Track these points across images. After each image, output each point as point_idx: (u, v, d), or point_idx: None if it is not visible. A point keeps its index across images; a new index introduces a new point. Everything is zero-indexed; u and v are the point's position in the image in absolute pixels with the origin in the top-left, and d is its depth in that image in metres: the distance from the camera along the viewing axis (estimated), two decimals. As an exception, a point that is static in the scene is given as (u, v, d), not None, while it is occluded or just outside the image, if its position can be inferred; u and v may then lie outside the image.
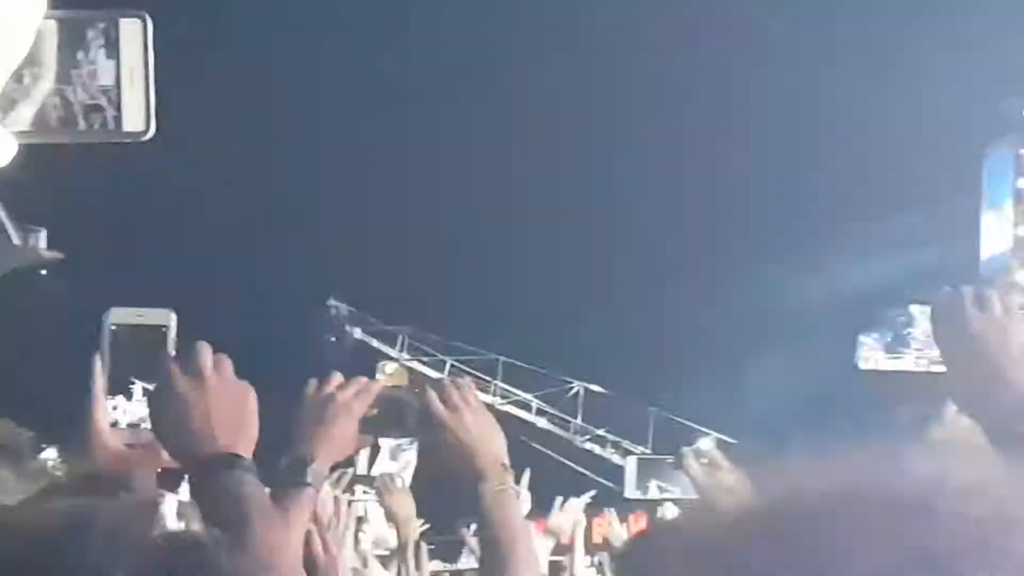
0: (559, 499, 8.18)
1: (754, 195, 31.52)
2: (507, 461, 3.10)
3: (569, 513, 8.94)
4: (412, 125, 33.26)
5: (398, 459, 22.83)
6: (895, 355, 2.42)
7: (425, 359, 31.88)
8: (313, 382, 3.09)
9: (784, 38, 30.45)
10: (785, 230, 30.93)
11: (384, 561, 10.95)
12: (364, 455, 22.66)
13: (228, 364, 2.70)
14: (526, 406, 31.67)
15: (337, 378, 3.08)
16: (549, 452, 30.63)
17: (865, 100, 29.03)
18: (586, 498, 12.69)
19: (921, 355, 2.54)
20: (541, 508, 24.10)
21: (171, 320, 2.95)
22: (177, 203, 31.13)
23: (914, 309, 2.61)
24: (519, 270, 32.86)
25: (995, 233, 25.52)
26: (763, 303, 30.48)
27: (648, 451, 26.48)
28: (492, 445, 3.08)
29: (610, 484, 24.80)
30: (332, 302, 31.77)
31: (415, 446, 21.86)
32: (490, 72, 32.09)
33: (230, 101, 31.49)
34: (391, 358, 31.27)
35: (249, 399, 2.70)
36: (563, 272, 32.82)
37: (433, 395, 3.09)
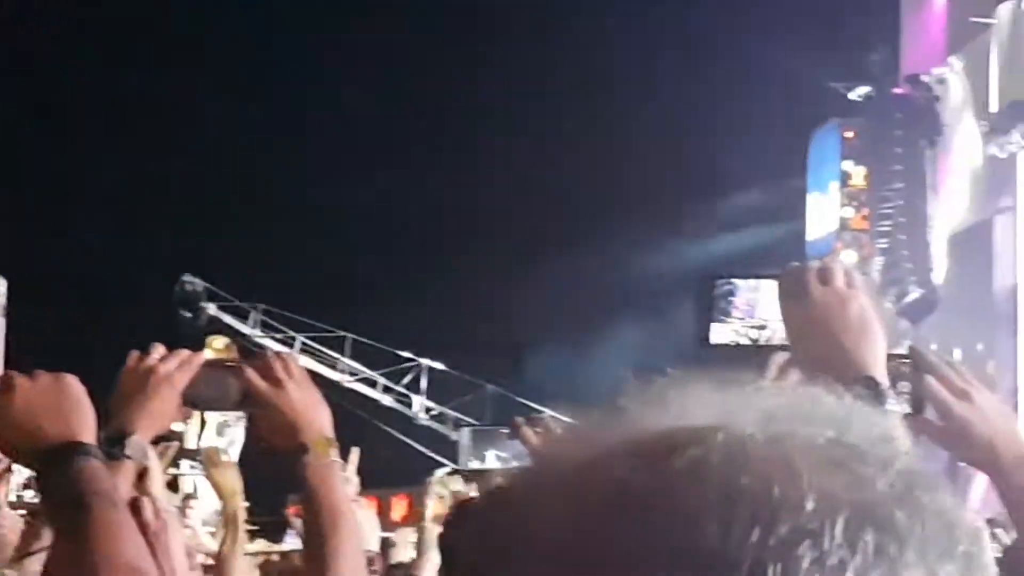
0: None
1: (596, 176, 31.82)
2: (331, 434, 3.04)
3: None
4: (270, 98, 33.08)
5: (224, 435, 22.69)
6: (719, 322, 2.46)
7: (277, 336, 31.85)
8: (134, 354, 3.03)
9: (611, 21, 30.73)
10: (622, 210, 31.27)
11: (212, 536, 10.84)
12: (193, 431, 22.48)
13: (38, 372, 2.71)
14: (372, 383, 31.82)
15: (159, 349, 3.02)
16: (391, 430, 30.77)
17: (697, 84, 29.37)
18: (441, 474, 12.70)
19: (743, 323, 2.57)
20: (378, 485, 24.17)
21: (1, 287, 2.90)
22: (16, 161, 30.57)
23: (737, 281, 2.63)
24: (369, 249, 32.97)
25: (821, 214, 25.98)
26: (604, 282, 30.83)
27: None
28: (315, 418, 3.01)
29: (448, 462, 24.99)
30: (187, 277, 31.50)
31: (242, 423, 21.74)
32: (338, 60, 32.06)
33: (73, 46, 30.97)
34: (243, 335, 31.20)
35: (66, 386, 2.69)
36: (410, 251, 33.00)
37: (255, 368, 3.04)
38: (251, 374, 3.03)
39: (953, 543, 0.86)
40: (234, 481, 6.67)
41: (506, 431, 6.06)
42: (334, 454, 3.03)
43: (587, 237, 31.07)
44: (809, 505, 0.83)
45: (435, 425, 31.08)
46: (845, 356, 2.31)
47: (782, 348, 2.51)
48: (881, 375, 2.33)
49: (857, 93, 24.41)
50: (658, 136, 30.39)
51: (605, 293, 31.04)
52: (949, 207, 25.10)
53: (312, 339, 31.77)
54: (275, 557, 14.72)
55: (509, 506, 0.90)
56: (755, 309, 2.60)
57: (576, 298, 31.13)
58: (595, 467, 0.88)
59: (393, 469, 24.48)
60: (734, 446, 0.86)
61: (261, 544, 15.07)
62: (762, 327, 2.57)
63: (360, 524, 3.44)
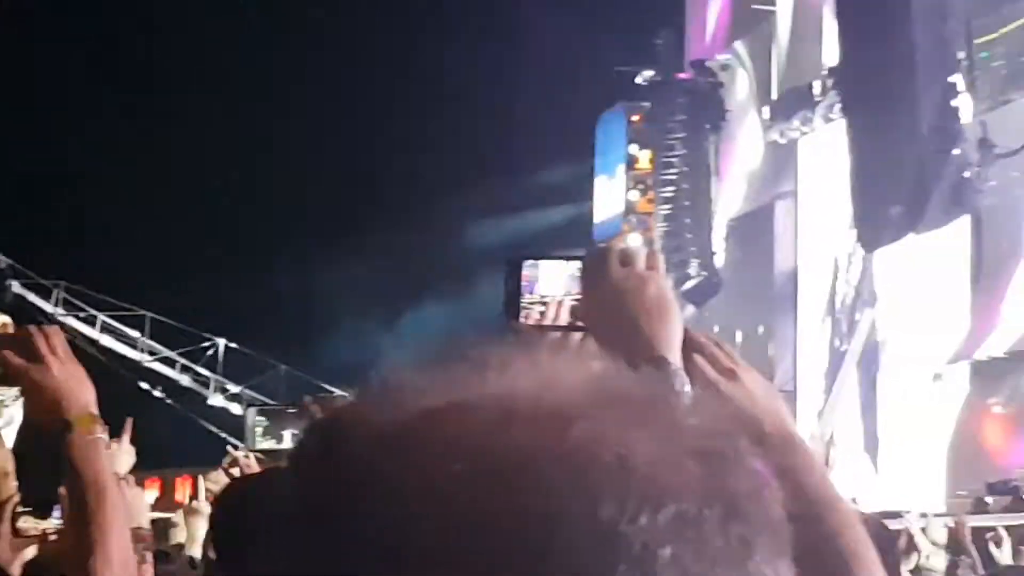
0: None
1: (392, 157, 31.83)
2: (96, 410, 3.01)
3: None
4: (75, 76, 32.43)
5: (1, 415, 22.29)
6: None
7: (80, 315, 31.38)
8: None
9: (407, 4, 30.72)
10: (421, 192, 31.35)
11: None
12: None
13: None
14: (171, 363, 31.54)
15: (-82, 325, 2.99)
16: (184, 410, 30.50)
17: (483, 65, 29.47)
18: (239, 455, 12.51)
19: (524, 300, 2.62)
20: (164, 465, 23.73)
21: None
22: None
23: (527, 264, 2.68)
24: (169, 227, 32.56)
25: (608, 197, 26.27)
26: (404, 262, 30.87)
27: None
28: (80, 394, 2.98)
29: (240, 443, 24.72)
30: (-7, 254, 30.83)
31: (20, 403, 21.35)
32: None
33: None
34: (45, 313, 30.62)
35: None
36: (209, 229, 32.65)
37: (15, 344, 3.00)
38: (6, 351, 2.99)
39: (786, 540, 0.89)
40: (4, 461, 6.54)
41: (294, 411, 6.02)
42: (99, 431, 3.00)
43: (385, 218, 31.11)
44: (691, 492, 0.84)
45: (230, 404, 30.89)
46: (641, 337, 2.32)
47: (578, 328, 2.54)
48: (675, 356, 2.36)
49: (643, 77, 24.68)
50: (455, 118, 30.49)
51: (405, 273, 31.11)
52: (732, 192, 25.54)
53: (112, 317, 31.43)
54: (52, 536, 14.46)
55: (368, 455, 0.85)
56: (535, 285, 2.64)
57: (377, 278, 31.16)
58: (482, 427, 0.85)
59: (182, 449, 24.21)
60: (617, 422, 0.85)
61: (28, 522, 14.86)
62: (543, 304, 2.62)
63: (128, 501, 3.42)
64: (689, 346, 2.49)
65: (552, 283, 2.63)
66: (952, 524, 11.29)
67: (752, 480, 0.87)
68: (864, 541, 2.23)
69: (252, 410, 8.49)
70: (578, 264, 2.53)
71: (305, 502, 0.87)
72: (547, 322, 2.57)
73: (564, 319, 2.55)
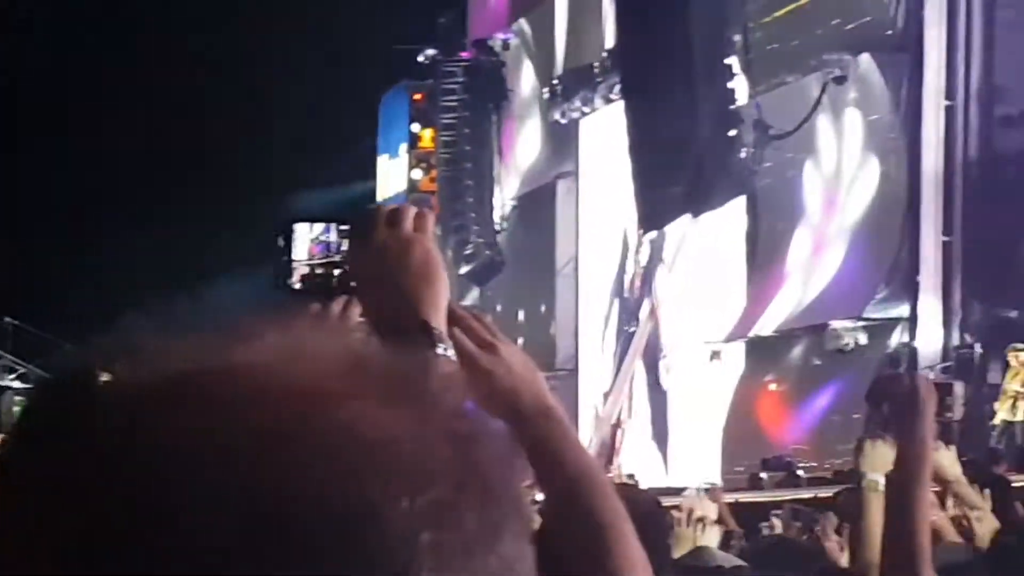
0: None
1: (173, 139, 31.61)
2: None
3: None
4: None
5: None
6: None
7: None
8: None
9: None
10: (204, 174, 31.16)
11: None
12: None
13: None
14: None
15: None
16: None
17: (278, 44, 29.33)
18: None
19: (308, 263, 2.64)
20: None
21: None
22: None
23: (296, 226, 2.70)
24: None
25: (391, 176, 26.33)
26: (190, 243, 30.68)
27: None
28: None
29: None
30: None
31: None
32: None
33: None
34: None
35: None
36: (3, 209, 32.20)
37: None
38: None
39: (529, 520, 0.89)
40: None
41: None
42: None
43: (175, 198, 30.94)
44: (446, 476, 0.83)
45: (17, 384, 30.50)
46: (405, 300, 2.30)
47: (344, 291, 2.55)
48: (439, 321, 2.36)
49: (424, 56, 24.73)
50: (234, 99, 30.33)
51: (193, 255, 30.95)
52: (514, 171, 25.72)
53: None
54: None
55: (119, 418, 0.80)
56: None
57: (168, 260, 30.97)
58: (240, 396, 0.82)
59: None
60: (377, 401, 0.84)
61: None
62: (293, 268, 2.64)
63: None
64: (449, 319, 2.51)
65: (299, 247, 2.65)
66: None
67: (503, 462, 0.87)
68: (621, 513, 2.23)
69: (8, 393, 8.29)
70: (322, 226, 2.55)
71: (51, 474, 0.81)
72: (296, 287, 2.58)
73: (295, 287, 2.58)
